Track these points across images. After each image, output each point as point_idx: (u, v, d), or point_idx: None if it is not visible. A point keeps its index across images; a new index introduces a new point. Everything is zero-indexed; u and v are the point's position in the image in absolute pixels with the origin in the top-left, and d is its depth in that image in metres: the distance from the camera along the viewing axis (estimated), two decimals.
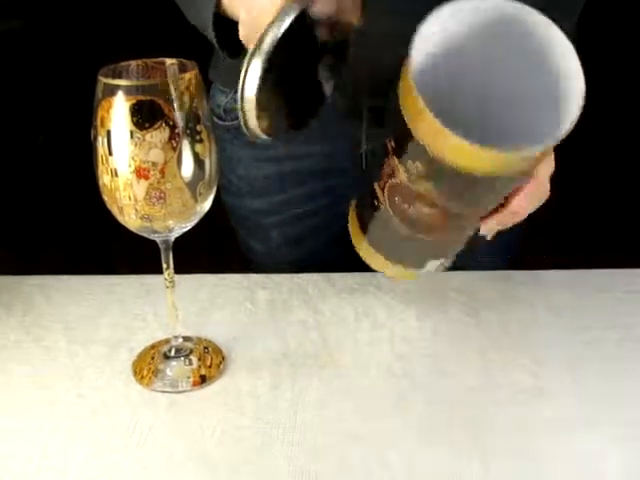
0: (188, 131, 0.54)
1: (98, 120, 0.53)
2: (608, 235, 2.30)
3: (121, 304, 0.72)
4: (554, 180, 0.58)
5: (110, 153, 0.53)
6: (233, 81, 0.83)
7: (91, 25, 2.70)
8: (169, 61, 0.57)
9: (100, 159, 0.54)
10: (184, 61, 0.57)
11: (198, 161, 0.55)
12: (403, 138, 0.52)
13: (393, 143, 0.54)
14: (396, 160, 0.54)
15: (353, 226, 0.65)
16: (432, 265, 0.62)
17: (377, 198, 0.58)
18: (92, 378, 0.62)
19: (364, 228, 0.63)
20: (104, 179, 0.55)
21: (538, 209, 0.59)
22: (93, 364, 0.64)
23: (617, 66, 2.54)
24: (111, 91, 0.52)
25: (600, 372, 0.62)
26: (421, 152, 0.51)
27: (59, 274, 0.78)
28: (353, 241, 0.65)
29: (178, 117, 0.53)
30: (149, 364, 0.63)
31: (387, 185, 0.56)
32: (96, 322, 0.70)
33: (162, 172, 0.53)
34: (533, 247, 1.21)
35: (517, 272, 0.79)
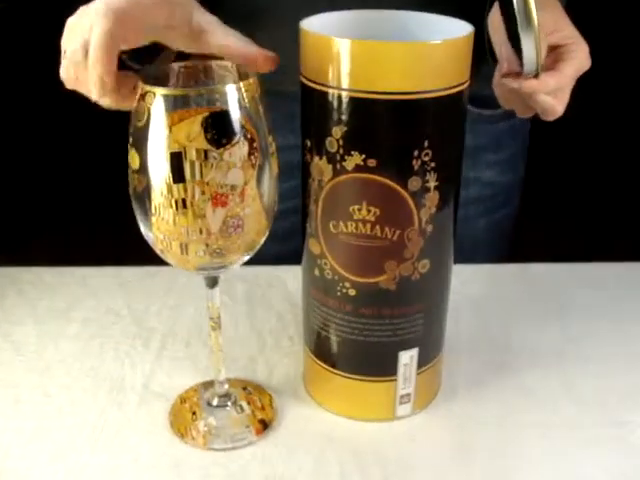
0: (263, 143, 0.46)
1: (151, 143, 0.43)
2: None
3: (94, 297, 0.70)
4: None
5: (176, 180, 0.43)
6: None
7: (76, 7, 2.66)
8: (221, 63, 0.49)
9: (159, 191, 0.44)
10: (236, 64, 0.49)
11: (273, 178, 0.48)
12: None
13: None
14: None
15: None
16: None
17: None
18: (60, 375, 0.59)
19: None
20: (163, 213, 0.45)
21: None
22: (62, 361, 0.61)
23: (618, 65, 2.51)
24: (175, 103, 0.42)
25: (590, 371, 0.60)
26: None
27: (50, 266, 0.75)
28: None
29: (257, 127, 0.45)
30: (194, 421, 0.54)
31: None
32: (67, 316, 0.67)
33: (241, 196, 0.45)
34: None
35: (506, 265, 0.76)
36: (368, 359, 0.53)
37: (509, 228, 0.92)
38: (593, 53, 0.59)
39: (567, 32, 0.59)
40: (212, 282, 0.52)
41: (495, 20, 0.62)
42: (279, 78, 0.76)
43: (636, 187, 2.41)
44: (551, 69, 0.57)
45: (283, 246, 0.89)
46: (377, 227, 0.47)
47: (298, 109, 0.51)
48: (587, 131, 2.56)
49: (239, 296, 0.70)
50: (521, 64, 0.53)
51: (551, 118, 0.59)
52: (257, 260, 0.89)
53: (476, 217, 0.85)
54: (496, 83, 0.60)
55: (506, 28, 0.57)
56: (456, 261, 0.54)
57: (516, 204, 0.91)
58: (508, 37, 0.57)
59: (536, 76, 0.54)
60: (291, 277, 0.72)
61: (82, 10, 0.49)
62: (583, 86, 0.61)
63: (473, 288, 0.70)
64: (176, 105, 0.42)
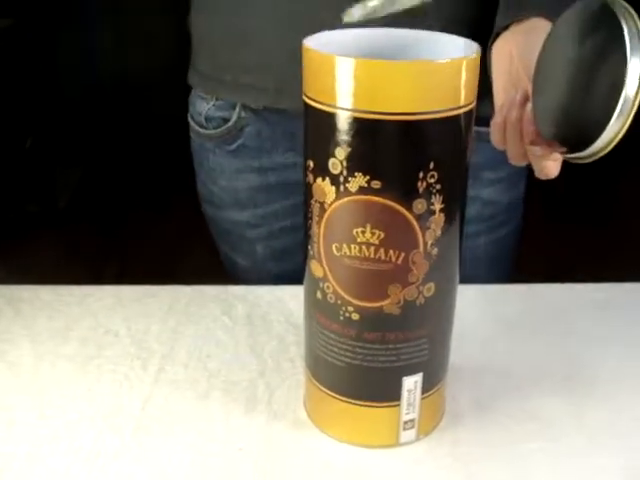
0: None
1: None
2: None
3: (93, 317, 0.69)
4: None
5: None
6: (213, 86, 0.81)
7: (82, 24, 2.68)
8: None
9: None
10: None
11: None
12: None
13: None
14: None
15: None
16: None
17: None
18: (56, 397, 0.58)
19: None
20: None
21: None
22: (58, 382, 0.60)
23: None
24: None
25: (598, 396, 0.59)
26: None
27: (48, 279, 0.74)
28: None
29: None
30: None
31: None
32: (65, 336, 0.66)
33: None
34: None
35: (510, 286, 0.75)
36: (371, 384, 0.51)
37: (511, 246, 0.91)
38: None
39: None
40: None
41: (499, 52, 0.62)
42: (278, 97, 0.76)
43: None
44: None
45: (285, 264, 0.88)
46: (381, 250, 0.46)
47: (298, 127, 0.50)
48: None
49: (240, 317, 0.68)
50: (566, 141, 0.51)
51: (544, 178, 0.57)
52: (258, 279, 0.89)
53: (477, 235, 0.84)
54: (495, 124, 0.59)
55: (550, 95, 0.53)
56: None
57: (517, 222, 0.90)
58: (545, 103, 0.54)
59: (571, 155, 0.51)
60: (292, 297, 0.71)
61: None
62: None
63: (477, 310, 0.69)
64: None
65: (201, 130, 0.84)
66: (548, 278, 0.75)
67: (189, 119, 0.86)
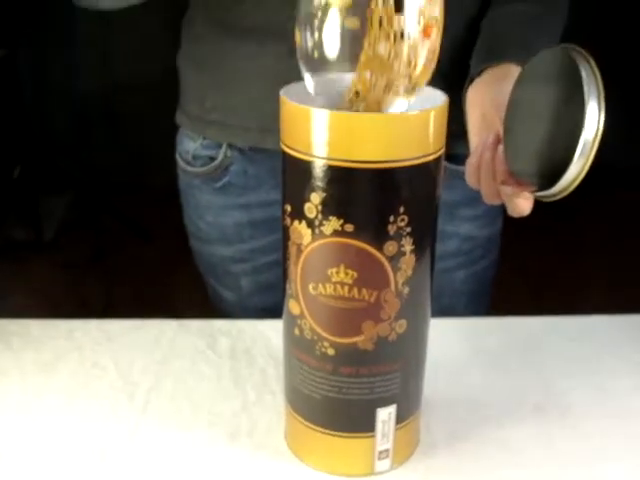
0: None
1: None
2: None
3: (80, 351, 0.71)
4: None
5: (399, 9, 0.43)
6: (201, 127, 0.84)
7: (74, 55, 2.71)
8: None
9: (375, 21, 0.43)
10: None
11: None
12: None
13: None
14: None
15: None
16: None
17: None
18: (43, 433, 0.60)
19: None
20: (376, 49, 0.44)
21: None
22: (45, 417, 0.62)
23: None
24: None
25: (571, 426, 0.61)
26: None
27: (35, 304, 0.76)
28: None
29: None
30: None
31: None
32: (54, 370, 0.68)
33: (439, 28, 0.45)
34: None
35: (485, 318, 0.78)
36: (347, 416, 0.54)
37: (489, 278, 0.93)
38: None
39: None
40: None
41: (474, 96, 0.65)
42: (263, 137, 0.79)
43: (613, 232, 2.43)
44: None
45: (270, 298, 0.90)
46: (355, 289, 0.48)
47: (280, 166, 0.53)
48: None
49: (224, 351, 0.71)
50: (532, 178, 0.54)
51: (517, 216, 0.60)
52: (244, 313, 0.91)
53: (455, 269, 0.87)
54: (470, 165, 0.62)
55: (513, 134, 0.57)
56: (436, 312, 0.55)
57: (495, 255, 0.92)
58: (511, 143, 0.57)
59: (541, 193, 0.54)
60: (275, 332, 0.73)
61: None
62: None
63: (452, 342, 0.72)
64: None
65: (188, 168, 0.86)
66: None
67: (176, 157, 0.89)
